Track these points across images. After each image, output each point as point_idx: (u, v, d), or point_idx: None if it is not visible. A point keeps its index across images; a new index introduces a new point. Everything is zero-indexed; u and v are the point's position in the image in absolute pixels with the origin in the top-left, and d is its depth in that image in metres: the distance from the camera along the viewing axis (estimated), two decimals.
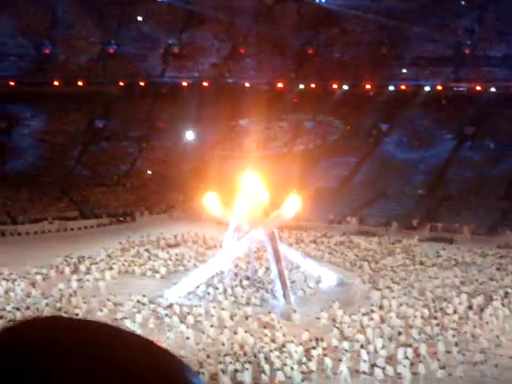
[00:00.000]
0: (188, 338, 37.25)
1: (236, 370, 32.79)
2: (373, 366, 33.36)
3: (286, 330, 38.71)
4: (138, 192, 79.98)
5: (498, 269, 51.48)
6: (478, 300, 43.08)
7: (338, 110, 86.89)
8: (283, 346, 35.79)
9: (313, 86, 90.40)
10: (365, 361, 33.78)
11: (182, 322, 39.84)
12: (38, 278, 48.89)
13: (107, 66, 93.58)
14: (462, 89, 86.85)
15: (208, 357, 34.38)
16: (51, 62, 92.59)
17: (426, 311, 40.99)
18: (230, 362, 33.46)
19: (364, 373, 33.23)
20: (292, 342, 36.14)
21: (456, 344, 35.44)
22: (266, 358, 33.96)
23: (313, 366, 33.62)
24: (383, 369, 33.14)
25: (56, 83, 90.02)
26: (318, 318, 40.73)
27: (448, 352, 34.99)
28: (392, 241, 60.69)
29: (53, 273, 50.56)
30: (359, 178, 77.73)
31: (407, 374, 32.55)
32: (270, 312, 41.53)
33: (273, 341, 36.54)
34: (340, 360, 33.57)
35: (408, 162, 76.08)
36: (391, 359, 34.39)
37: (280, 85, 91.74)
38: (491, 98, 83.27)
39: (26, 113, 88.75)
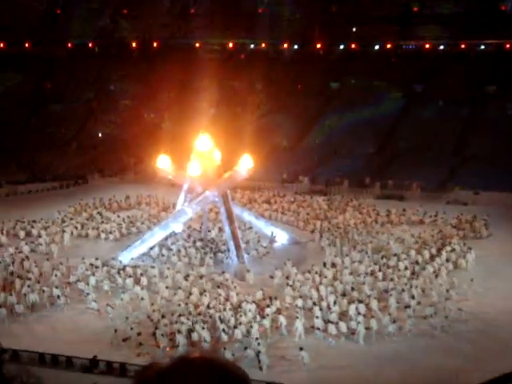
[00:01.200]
0: (143, 299, 37.44)
1: (191, 330, 33.10)
2: (326, 322, 33.99)
3: (240, 290, 39.11)
4: (90, 154, 79.28)
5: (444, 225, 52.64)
6: (426, 255, 44.06)
7: (289, 69, 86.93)
8: (238, 305, 36.20)
9: (263, 45, 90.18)
10: (317, 317, 34.37)
11: (136, 283, 39.99)
12: None
13: (55, 26, 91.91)
14: (410, 47, 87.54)
15: (163, 317, 34.62)
16: None
17: (376, 267, 41.73)
18: (183, 323, 33.75)
19: (318, 329, 33.84)
20: (246, 300, 36.54)
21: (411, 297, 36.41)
22: (221, 318, 34.34)
23: (267, 323, 34.11)
24: (336, 324, 33.79)
25: (1, 45, 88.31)
26: (271, 277, 41.22)
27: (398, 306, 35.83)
28: (344, 199, 61.24)
29: (4, 237, 50.12)
30: (310, 137, 78.05)
31: (361, 329, 33.25)
32: (223, 272, 41.87)
33: (227, 300, 36.91)
34: (296, 317, 34.10)
35: (358, 121, 76.51)
36: (344, 315, 35.06)
37: (231, 45, 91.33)
38: (439, 56, 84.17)
39: None
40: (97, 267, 42.46)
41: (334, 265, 42.75)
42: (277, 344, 33.18)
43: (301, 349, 31.04)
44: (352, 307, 35.54)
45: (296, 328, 33.74)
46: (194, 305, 36.46)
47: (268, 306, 35.87)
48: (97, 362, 31.00)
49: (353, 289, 38.41)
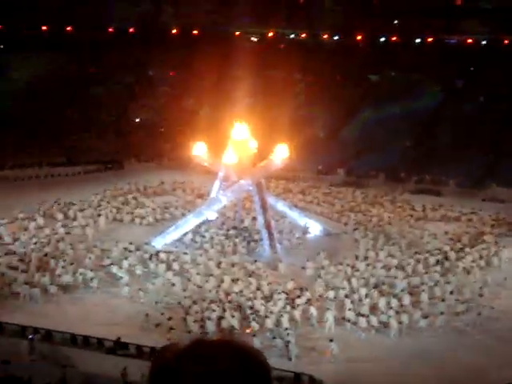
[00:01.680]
0: (174, 285, 37.68)
1: (221, 317, 33.26)
2: (357, 314, 33.96)
3: (272, 279, 39.17)
4: (127, 139, 79.69)
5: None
6: (459, 252, 43.75)
7: (328, 60, 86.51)
8: (270, 295, 36.28)
9: (303, 35, 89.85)
10: (349, 309, 34.36)
11: (168, 269, 40.25)
12: (26, 223, 49.05)
13: (98, 11, 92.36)
14: (452, 41, 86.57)
15: (194, 303, 34.82)
16: (40, 6, 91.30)
17: (411, 261, 41.53)
18: (214, 310, 33.93)
19: (348, 321, 33.83)
20: (277, 290, 36.61)
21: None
22: (251, 306, 34.46)
23: (297, 314, 34.16)
24: (367, 317, 33.74)
25: (44, 28, 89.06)
26: (303, 268, 41.21)
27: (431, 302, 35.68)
28: (379, 192, 60.97)
29: (40, 218, 50.66)
30: (347, 129, 77.62)
31: (393, 323, 33.21)
32: (256, 261, 41.94)
33: (258, 289, 36.99)
34: (328, 308, 34.12)
35: (397, 114, 75.89)
36: (375, 308, 34.99)
37: (271, 34, 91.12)
38: (482, 51, 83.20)
39: (15, 57, 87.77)
40: (130, 251, 42.81)
41: (366, 258, 42.67)
42: (306, 335, 33.21)
43: (331, 340, 31.07)
44: (383, 300, 35.46)
45: (327, 319, 33.77)
46: (225, 292, 36.61)
47: (298, 297, 35.90)
48: (121, 343, 31.29)
49: (383, 283, 38.31)
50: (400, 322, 33.48)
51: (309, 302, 35.46)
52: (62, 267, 39.40)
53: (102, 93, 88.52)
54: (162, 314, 33.77)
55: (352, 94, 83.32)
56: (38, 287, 37.10)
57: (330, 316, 33.76)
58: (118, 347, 31.32)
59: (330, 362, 30.31)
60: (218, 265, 40.75)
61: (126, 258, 41.47)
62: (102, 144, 77.98)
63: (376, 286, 37.68)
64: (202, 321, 33.11)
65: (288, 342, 30.86)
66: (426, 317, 33.95)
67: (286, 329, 32.20)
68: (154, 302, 35.95)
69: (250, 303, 34.97)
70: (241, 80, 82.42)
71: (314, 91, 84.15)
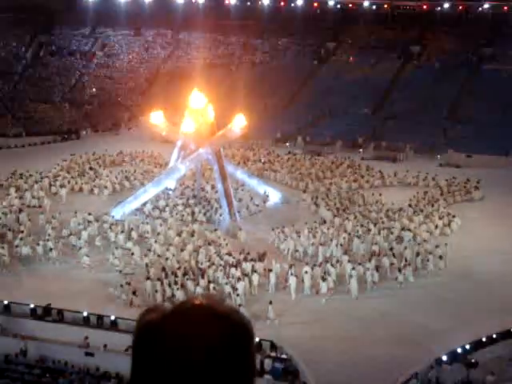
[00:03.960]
0: (133, 254, 37.65)
1: (182, 285, 33.36)
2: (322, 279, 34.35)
3: (231, 248, 39.30)
4: (83, 109, 78.92)
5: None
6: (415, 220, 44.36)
7: (286, 27, 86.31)
8: (229, 262, 36.43)
9: (259, 2, 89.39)
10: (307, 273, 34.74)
11: (128, 239, 40.16)
12: None
13: None
14: (408, 7, 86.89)
15: (154, 271, 34.91)
16: None
17: (371, 228, 41.99)
18: (176, 276, 34.05)
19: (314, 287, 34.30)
20: (234, 258, 36.75)
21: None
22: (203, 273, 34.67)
23: (256, 280, 34.43)
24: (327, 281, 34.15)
25: None
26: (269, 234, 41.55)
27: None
28: (337, 159, 61.32)
29: None
30: (305, 97, 77.73)
31: (354, 284, 33.85)
32: (215, 229, 42.03)
33: (219, 257, 37.09)
34: (291, 274, 34.46)
35: (353, 82, 76.23)
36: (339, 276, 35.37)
37: (228, 1, 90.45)
38: (437, 17, 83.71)
39: None
40: (89, 222, 42.58)
41: (325, 222, 43.17)
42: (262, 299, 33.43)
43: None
44: (345, 266, 35.96)
45: (289, 284, 34.17)
46: (185, 261, 36.70)
47: (260, 260, 36.24)
48: (50, 309, 31.33)
49: (344, 249, 38.82)
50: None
51: (267, 269, 35.66)
52: (20, 239, 39.05)
53: (56, 63, 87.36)
54: (128, 283, 33.60)
55: (309, 61, 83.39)
56: None
57: (292, 281, 34.14)
58: (47, 314, 31.40)
59: (288, 327, 30.59)
60: (178, 234, 40.75)
61: (85, 229, 41.25)
62: (58, 114, 77.16)
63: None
64: (163, 288, 33.19)
65: (239, 305, 31.14)
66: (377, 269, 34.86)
67: (238, 295, 32.52)
68: (115, 272, 35.92)
69: (209, 270, 35.08)
70: (197, 48, 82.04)
71: (271, 59, 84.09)
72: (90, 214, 43.56)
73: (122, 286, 33.60)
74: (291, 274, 34.49)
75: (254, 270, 35.11)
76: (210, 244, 39.32)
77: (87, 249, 38.80)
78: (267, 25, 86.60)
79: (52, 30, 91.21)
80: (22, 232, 40.29)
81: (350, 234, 41.16)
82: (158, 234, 41.01)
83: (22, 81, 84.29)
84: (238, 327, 2.35)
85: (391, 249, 38.69)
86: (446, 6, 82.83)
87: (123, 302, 32.68)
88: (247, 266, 35.67)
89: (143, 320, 2.37)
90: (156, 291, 32.90)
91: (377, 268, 35.64)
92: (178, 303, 2.41)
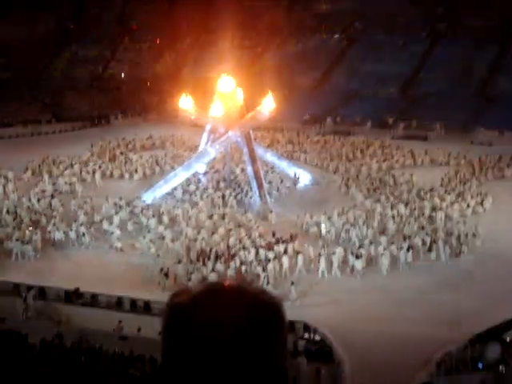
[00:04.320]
0: (163, 238, 37.82)
1: (213, 268, 33.49)
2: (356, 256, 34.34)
3: (263, 230, 39.34)
4: (112, 95, 79.23)
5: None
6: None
7: (312, 8, 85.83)
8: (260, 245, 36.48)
9: None
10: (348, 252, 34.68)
11: (159, 223, 40.36)
12: (15, 181, 49.00)
13: None
14: None
15: (187, 254, 35.10)
16: None
17: (401, 208, 41.80)
18: (208, 259, 34.20)
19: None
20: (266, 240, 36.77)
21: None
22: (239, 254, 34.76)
23: (285, 262, 34.48)
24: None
25: None
26: (298, 217, 41.46)
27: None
28: (367, 140, 61.03)
29: (28, 176, 50.55)
30: (334, 78, 77.35)
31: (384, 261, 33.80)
32: (246, 212, 42.10)
33: (250, 239, 37.17)
34: (320, 254, 34.44)
35: (381, 62, 75.64)
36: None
37: None
38: None
39: None
40: (121, 207, 42.85)
41: (355, 206, 43.01)
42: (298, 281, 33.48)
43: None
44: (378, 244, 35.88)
45: (319, 265, 34.21)
46: (216, 243, 36.83)
47: (290, 241, 36.26)
48: (79, 293, 31.63)
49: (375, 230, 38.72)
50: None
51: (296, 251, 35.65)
52: (53, 224, 39.41)
53: (84, 49, 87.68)
54: (162, 269, 33.62)
55: (337, 42, 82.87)
56: (30, 244, 37.18)
57: (322, 261, 34.17)
58: (75, 297, 31.69)
59: (320, 307, 30.60)
60: (209, 217, 40.86)
61: (116, 214, 41.52)
62: (88, 100, 77.53)
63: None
64: (198, 270, 33.37)
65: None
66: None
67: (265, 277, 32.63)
68: (148, 256, 36.19)
69: (241, 252, 35.18)
70: (226, 32, 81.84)
71: (299, 41, 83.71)
72: (121, 199, 43.83)
73: (161, 270, 33.57)
74: (321, 255, 34.50)
75: (284, 252, 35.13)
76: (240, 226, 39.39)
77: (119, 233, 39.08)
78: (294, 6, 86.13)
79: (77, 17, 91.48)
80: (55, 217, 40.65)
81: (381, 214, 41.01)
82: (189, 217, 41.15)
83: (49, 67, 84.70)
84: (265, 307, 2.35)
85: (423, 228, 38.50)
86: None
87: (160, 286, 32.79)
88: (278, 247, 35.70)
89: (172, 303, 2.38)
90: (188, 274, 33.05)
91: (409, 248, 35.48)
92: (207, 285, 2.41)
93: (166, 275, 32.84)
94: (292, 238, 37.01)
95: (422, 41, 79.48)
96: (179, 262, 34.21)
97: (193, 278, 32.65)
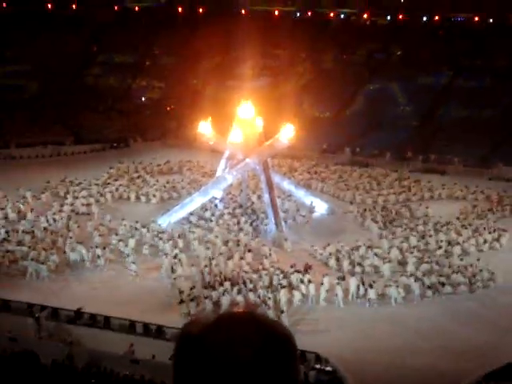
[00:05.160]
0: (180, 261, 37.80)
1: (225, 291, 33.43)
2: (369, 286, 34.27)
3: (278, 257, 39.29)
4: (133, 118, 79.62)
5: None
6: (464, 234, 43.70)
7: (335, 39, 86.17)
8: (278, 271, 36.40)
9: (309, 13, 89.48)
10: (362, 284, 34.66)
11: (175, 247, 40.38)
12: (33, 201, 49.31)
13: None
14: (459, 19, 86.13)
15: (202, 280, 35.02)
16: None
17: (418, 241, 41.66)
18: (221, 285, 34.12)
19: (358, 297, 34.25)
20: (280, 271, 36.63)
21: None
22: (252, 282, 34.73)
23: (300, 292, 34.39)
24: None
25: (49, 5, 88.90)
26: (312, 246, 41.32)
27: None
28: (385, 171, 60.90)
29: (47, 196, 50.81)
30: (354, 108, 77.48)
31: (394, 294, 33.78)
32: (261, 239, 42.05)
33: (264, 268, 37.11)
34: (338, 283, 34.39)
35: (403, 93, 75.72)
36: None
37: (276, 12, 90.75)
38: (489, 29, 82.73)
39: (19, 35, 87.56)
40: (137, 229, 42.95)
41: (370, 240, 42.80)
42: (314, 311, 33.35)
43: (282, 311, 31.47)
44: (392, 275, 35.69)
45: (336, 294, 34.14)
46: (231, 270, 36.77)
47: (306, 271, 36.11)
48: (81, 313, 31.57)
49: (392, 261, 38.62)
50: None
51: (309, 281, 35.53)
52: (69, 245, 39.54)
53: (107, 72, 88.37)
54: (181, 291, 33.52)
55: (358, 72, 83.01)
56: (45, 265, 37.27)
57: (339, 291, 34.12)
58: (78, 318, 31.67)
59: (332, 337, 30.41)
60: (225, 243, 40.83)
61: (132, 236, 41.60)
62: (108, 123, 77.93)
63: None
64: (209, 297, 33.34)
65: (282, 312, 31.21)
66: (429, 287, 34.70)
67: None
68: (163, 279, 36.21)
69: (254, 278, 35.14)
70: (247, 59, 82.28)
71: (320, 70, 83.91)
72: (137, 222, 43.95)
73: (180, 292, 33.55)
74: (336, 285, 34.46)
75: (301, 281, 35.06)
76: (251, 251, 39.36)
77: (134, 256, 39.13)
78: (315, 36, 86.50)
79: (101, 40, 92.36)
80: (71, 238, 40.79)
81: (396, 247, 40.91)
82: (207, 242, 41.14)
83: (72, 89, 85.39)
84: (278, 339, 2.35)
85: (437, 263, 38.29)
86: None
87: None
88: (294, 277, 35.58)
89: (185, 331, 2.38)
90: (203, 298, 33.02)
91: (428, 285, 35.30)
92: (220, 315, 2.41)
93: (182, 301, 32.74)
94: (306, 269, 36.81)
95: (444, 74, 79.53)
96: (192, 288, 34.16)
97: (207, 303, 32.62)
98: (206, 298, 32.99)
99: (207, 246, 40.26)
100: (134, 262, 38.18)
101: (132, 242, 40.74)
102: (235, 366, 2.27)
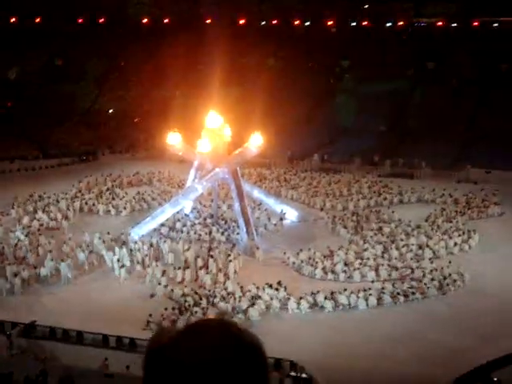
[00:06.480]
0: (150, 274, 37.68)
1: (195, 304, 33.31)
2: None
3: (251, 267, 39.32)
4: (100, 131, 79.26)
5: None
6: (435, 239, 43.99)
7: (300, 46, 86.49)
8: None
9: (274, 22, 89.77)
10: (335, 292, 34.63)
11: (145, 258, 40.27)
12: (1, 217, 48.86)
13: (66, 2, 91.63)
14: (422, 24, 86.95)
15: (172, 292, 34.91)
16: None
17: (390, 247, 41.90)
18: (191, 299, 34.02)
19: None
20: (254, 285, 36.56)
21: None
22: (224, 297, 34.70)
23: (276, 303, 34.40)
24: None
25: (13, 19, 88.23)
26: (285, 254, 41.34)
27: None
28: (354, 177, 61.18)
29: (15, 212, 50.34)
30: (321, 115, 77.73)
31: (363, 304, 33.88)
32: (233, 248, 41.98)
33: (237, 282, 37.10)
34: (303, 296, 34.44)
35: (369, 99, 76.12)
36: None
37: (242, 21, 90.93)
38: (452, 33, 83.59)
39: None
40: (106, 242, 42.76)
41: (341, 246, 42.92)
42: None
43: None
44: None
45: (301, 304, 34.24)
46: (202, 282, 36.72)
47: (276, 289, 35.97)
48: (34, 326, 31.38)
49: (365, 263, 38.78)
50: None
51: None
52: (39, 259, 39.25)
53: (71, 85, 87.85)
54: (164, 313, 33.36)
55: (324, 79, 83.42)
56: (15, 281, 36.92)
57: (304, 303, 34.25)
58: (30, 331, 31.41)
59: (307, 344, 30.42)
60: (197, 255, 40.68)
61: (106, 249, 41.39)
62: (75, 136, 77.47)
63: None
64: (179, 309, 33.21)
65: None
66: (400, 294, 34.82)
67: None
68: (132, 292, 36.04)
69: (227, 292, 35.09)
70: (213, 68, 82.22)
71: (286, 78, 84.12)
72: (108, 234, 43.76)
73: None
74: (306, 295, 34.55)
75: (271, 298, 35.05)
76: (230, 261, 39.34)
77: (108, 267, 38.96)
78: (281, 44, 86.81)
79: (66, 53, 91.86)
80: (40, 253, 40.49)
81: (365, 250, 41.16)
82: (175, 253, 41.04)
83: (37, 103, 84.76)
84: (250, 345, 2.34)
85: (411, 269, 38.48)
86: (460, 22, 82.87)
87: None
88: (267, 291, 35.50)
89: (152, 343, 2.36)
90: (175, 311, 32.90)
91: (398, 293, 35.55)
92: (188, 325, 2.39)
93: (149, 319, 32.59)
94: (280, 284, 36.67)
95: (410, 78, 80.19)
96: (151, 296, 34.11)
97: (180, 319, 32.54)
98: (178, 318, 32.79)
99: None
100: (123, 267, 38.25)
101: (107, 255, 40.56)
102: (204, 375, 2.25)
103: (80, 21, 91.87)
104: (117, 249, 41.14)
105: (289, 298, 34.64)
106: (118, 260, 39.68)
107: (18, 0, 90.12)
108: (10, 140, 72.60)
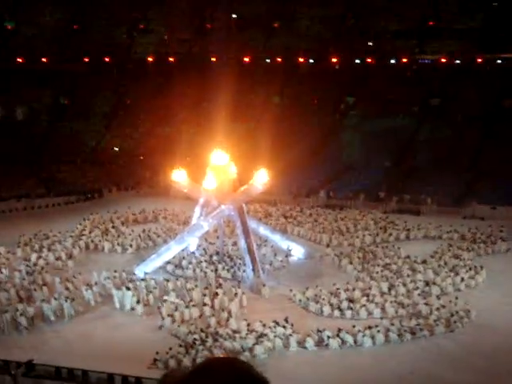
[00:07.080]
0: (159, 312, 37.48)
1: (203, 342, 33.09)
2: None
3: (257, 305, 39.11)
4: (106, 168, 79.61)
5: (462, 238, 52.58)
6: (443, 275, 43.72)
7: (305, 83, 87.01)
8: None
9: (279, 60, 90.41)
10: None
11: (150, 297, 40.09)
12: (6, 255, 48.79)
13: (72, 42, 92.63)
14: (426, 61, 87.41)
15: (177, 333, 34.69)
16: (14, 39, 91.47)
17: (397, 283, 41.61)
18: (198, 340, 33.79)
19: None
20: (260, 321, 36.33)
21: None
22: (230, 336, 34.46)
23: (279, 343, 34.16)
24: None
25: (20, 60, 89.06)
26: (291, 291, 41.12)
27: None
28: (360, 213, 61.16)
29: (21, 251, 50.29)
30: (327, 151, 77.95)
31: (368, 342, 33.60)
32: (239, 286, 41.80)
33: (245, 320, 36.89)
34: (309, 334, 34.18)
35: (374, 135, 76.38)
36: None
37: (247, 59, 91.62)
38: (456, 70, 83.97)
39: None
40: (111, 279, 42.61)
41: (348, 282, 42.72)
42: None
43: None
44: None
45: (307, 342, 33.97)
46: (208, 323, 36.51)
47: (284, 326, 35.68)
48: (32, 365, 31.09)
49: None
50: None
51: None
52: (42, 299, 39.11)
53: (78, 124, 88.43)
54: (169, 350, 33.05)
55: (330, 116, 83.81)
56: (20, 320, 36.77)
57: (310, 340, 33.95)
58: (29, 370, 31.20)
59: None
60: (203, 293, 40.48)
61: (111, 287, 41.24)
62: (81, 174, 77.85)
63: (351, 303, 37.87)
64: (185, 347, 32.96)
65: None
66: (407, 331, 34.49)
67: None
68: (138, 332, 35.82)
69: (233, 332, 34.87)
70: (218, 106, 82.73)
71: (292, 115, 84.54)
72: (115, 272, 43.67)
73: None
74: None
75: (275, 336, 34.74)
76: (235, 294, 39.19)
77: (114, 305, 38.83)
78: (286, 81, 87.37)
79: (73, 92, 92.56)
80: (45, 292, 40.37)
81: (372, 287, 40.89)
82: (181, 291, 40.86)
83: (44, 141, 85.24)
84: (260, 383, 2.32)
85: (415, 306, 38.26)
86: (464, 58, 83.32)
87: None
88: (277, 330, 35.22)
89: (164, 380, 2.33)
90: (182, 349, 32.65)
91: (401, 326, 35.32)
92: (198, 364, 2.37)
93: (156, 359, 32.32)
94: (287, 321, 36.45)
95: (415, 114, 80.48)
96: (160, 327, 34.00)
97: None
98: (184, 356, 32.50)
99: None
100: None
101: (116, 293, 40.38)
102: None
103: (86, 60, 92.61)
104: (130, 285, 40.98)
105: (291, 335, 34.34)
106: (133, 295, 39.54)
107: (24, 41, 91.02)
108: (16, 178, 72.89)
